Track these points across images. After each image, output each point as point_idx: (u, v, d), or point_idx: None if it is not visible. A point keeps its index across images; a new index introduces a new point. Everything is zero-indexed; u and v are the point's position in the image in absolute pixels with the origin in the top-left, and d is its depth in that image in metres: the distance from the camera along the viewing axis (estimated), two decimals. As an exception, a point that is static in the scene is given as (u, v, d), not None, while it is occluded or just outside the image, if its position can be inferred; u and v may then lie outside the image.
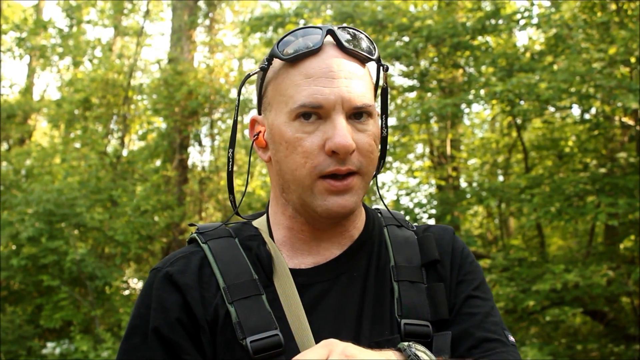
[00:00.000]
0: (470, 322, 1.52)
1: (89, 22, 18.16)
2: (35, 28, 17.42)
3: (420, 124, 12.54)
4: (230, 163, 1.61)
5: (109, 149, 15.13)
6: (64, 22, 20.50)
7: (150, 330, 1.47)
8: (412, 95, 13.06)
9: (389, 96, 1.61)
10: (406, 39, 11.22)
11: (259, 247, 1.55)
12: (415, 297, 1.53)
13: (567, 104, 10.12)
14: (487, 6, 11.33)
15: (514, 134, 12.71)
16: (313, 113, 1.45)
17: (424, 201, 11.98)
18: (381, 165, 1.63)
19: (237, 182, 14.98)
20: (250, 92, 15.86)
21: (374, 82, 1.58)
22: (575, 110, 11.61)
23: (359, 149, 1.46)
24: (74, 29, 17.81)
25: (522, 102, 10.21)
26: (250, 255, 1.54)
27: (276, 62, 1.52)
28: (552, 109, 11.04)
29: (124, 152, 15.72)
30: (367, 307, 1.51)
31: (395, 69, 12.19)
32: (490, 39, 11.52)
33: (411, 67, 11.80)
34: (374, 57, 1.53)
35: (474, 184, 13.41)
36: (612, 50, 9.10)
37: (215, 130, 15.82)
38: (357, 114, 1.47)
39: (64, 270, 12.66)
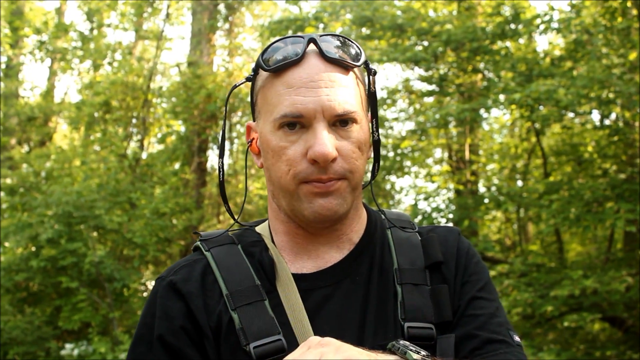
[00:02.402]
0: (474, 324, 1.51)
1: (109, 25, 18.25)
2: (57, 31, 17.54)
3: (439, 129, 12.51)
4: (222, 173, 1.64)
5: (128, 152, 15.19)
6: (84, 26, 20.62)
7: (154, 339, 1.50)
8: (431, 99, 13.04)
9: (377, 100, 1.60)
10: (425, 43, 11.20)
11: (261, 253, 1.56)
12: (418, 300, 1.52)
13: (587, 109, 10.06)
14: (507, 11, 11.28)
15: (533, 139, 12.65)
16: (297, 122, 1.45)
17: (442, 206, 11.93)
18: (376, 169, 1.63)
19: (255, 186, 15.01)
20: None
21: (365, 87, 1.58)
22: (595, 116, 11.55)
23: (342, 156, 1.46)
24: (95, 32, 17.90)
25: (541, 108, 10.16)
26: (252, 261, 1.55)
27: (262, 71, 1.53)
28: (571, 115, 10.98)
29: (143, 155, 15.76)
30: (370, 311, 1.51)
31: (415, 73, 12.18)
32: (509, 43, 11.47)
33: (430, 72, 11.77)
34: (359, 64, 1.52)
35: (493, 189, 13.34)
36: (632, 56, 9.06)
37: (234, 134, 15.86)
38: (341, 122, 1.47)
39: (82, 272, 12.72)
